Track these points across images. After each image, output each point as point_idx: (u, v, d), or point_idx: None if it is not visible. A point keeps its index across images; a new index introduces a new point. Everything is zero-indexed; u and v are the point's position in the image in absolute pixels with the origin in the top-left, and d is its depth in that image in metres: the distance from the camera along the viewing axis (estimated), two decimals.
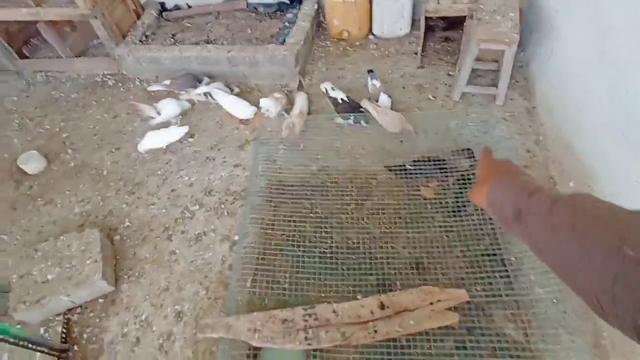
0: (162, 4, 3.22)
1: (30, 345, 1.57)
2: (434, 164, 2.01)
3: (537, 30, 2.35)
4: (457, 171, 1.98)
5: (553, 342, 1.55)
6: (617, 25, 1.55)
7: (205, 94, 2.59)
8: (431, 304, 1.25)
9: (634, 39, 1.44)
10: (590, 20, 1.76)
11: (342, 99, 2.33)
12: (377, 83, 2.44)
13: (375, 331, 1.19)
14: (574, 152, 1.87)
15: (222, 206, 2.12)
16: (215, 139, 2.45)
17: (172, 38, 2.99)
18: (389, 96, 2.36)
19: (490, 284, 1.69)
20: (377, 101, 2.33)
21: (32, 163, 2.39)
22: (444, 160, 2.02)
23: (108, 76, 3.00)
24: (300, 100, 2.42)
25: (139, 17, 3.11)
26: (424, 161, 2.05)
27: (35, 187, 2.35)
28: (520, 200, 0.50)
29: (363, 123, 2.27)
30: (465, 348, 1.55)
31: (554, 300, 1.63)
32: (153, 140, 2.39)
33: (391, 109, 2.31)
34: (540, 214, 0.46)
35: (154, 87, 2.70)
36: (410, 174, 2.04)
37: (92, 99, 2.85)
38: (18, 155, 2.46)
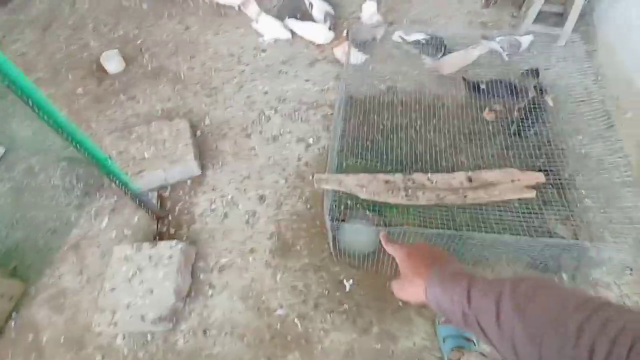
0: None
1: (135, 199, 1.76)
2: (505, 87, 2.15)
3: None
4: (523, 98, 2.12)
5: (598, 240, 1.76)
6: None
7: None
8: (512, 181, 1.44)
9: None
10: None
11: (424, 39, 2.37)
12: None
13: (465, 196, 1.38)
14: (634, 87, 2.00)
15: (296, 113, 2.28)
16: (287, 54, 2.58)
17: None
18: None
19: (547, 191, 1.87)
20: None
21: (113, 62, 2.54)
22: (512, 84, 2.16)
23: None
24: None
25: None
26: (496, 82, 2.18)
27: (117, 85, 2.51)
28: (463, 307, 0.51)
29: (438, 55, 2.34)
30: None
31: (602, 211, 1.83)
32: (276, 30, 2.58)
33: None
34: (489, 320, 0.48)
35: None
36: (482, 93, 2.17)
37: (163, 11, 2.94)
38: (96, 55, 2.61)
